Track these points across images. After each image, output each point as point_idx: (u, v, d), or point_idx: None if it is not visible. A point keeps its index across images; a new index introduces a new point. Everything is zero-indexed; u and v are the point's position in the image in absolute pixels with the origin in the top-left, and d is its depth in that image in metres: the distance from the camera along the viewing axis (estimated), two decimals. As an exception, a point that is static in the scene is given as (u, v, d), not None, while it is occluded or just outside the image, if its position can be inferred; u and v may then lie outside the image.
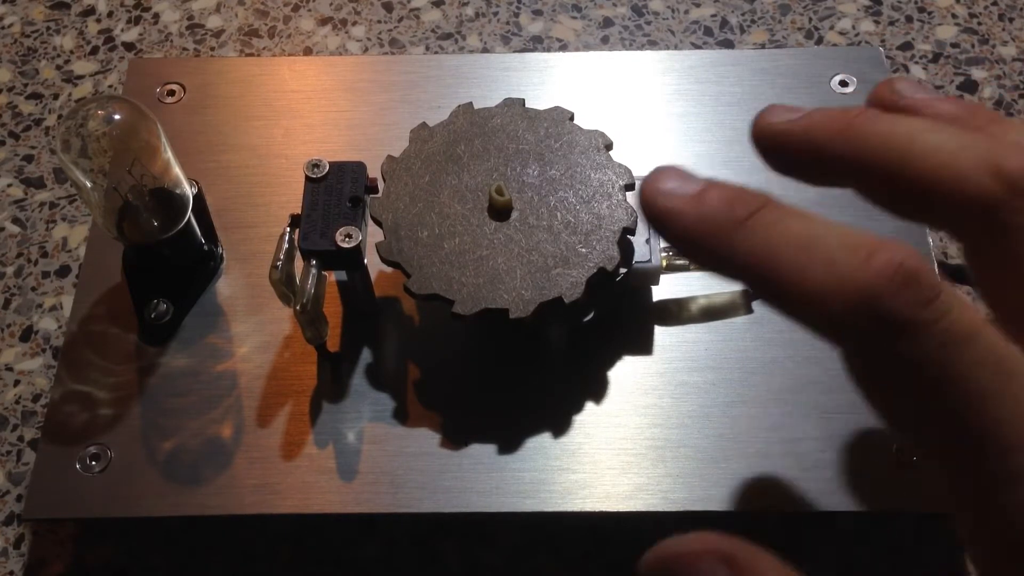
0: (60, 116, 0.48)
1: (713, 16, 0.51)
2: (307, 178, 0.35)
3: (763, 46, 0.50)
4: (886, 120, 0.25)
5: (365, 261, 0.35)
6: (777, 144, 0.27)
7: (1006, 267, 0.23)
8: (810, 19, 0.51)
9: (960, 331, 0.21)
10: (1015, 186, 0.22)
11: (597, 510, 0.34)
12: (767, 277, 0.23)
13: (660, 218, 0.25)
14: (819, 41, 0.50)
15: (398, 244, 0.33)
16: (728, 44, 0.50)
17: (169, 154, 0.35)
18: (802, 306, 0.22)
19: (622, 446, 0.35)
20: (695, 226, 0.24)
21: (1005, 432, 0.20)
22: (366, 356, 0.37)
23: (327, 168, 0.35)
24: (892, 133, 0.24)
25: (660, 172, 0.26)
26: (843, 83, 0.43)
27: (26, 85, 0.50)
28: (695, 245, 0.24)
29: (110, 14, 0.52)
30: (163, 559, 0.37)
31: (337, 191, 0.35)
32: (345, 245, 0.33)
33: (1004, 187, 0.23)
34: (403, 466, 0.34)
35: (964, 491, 0.21)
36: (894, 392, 0.22)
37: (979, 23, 0.51)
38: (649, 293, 0.37)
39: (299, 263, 0.34)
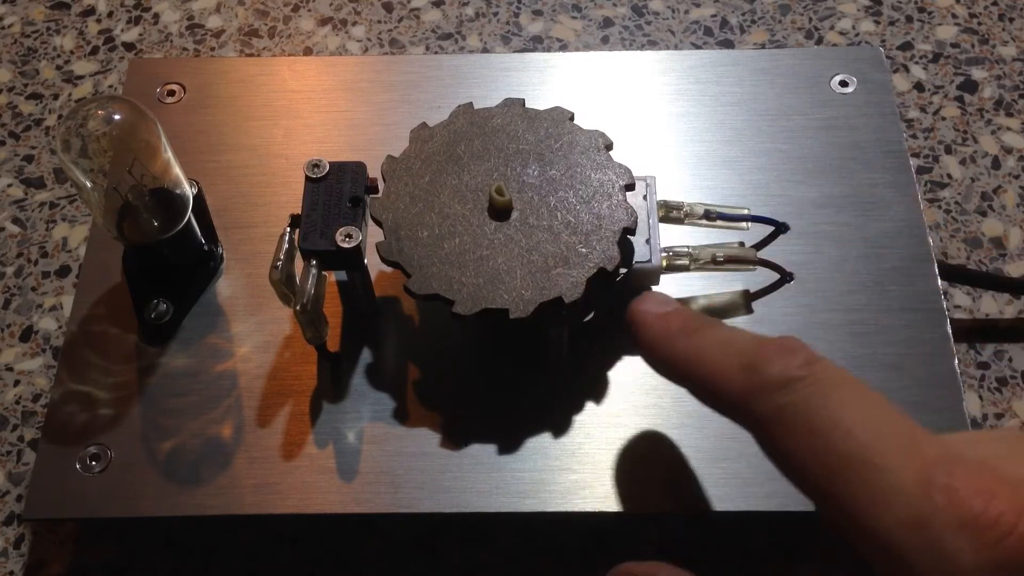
0: (60, 116, 0.49)
1: (713, 16, 0.51)
2: (307, 178, 0.35)
3: (763, 46, 0.50)
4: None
5: (365, 261, 0.35)
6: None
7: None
8: (810, 19, 0.51)
9: (830, 381, 0.25)
10: (762, 380, 0.26)
11: (597, 510, 0.34)
12: (694, 370, 0.29)
13: (633, 324, 0.31)
14: (819, 41, 0.50)
15: (398, 244, 0.33)
16: (728, 44, 0.50)
17: (169, 154, 0.35)
18: (716, 386, 0.28)
19: (622, 446, 0.35)
20: (656, 335, 0.30)
21: (869, 454, 0.23)
22: (366, 356, 0.37)
23: (327, 168, 0.35)
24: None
25: (646, 295, 0.32)
26: (843, 83, 0.43)
27: (26, 85, 0.50)
28: (653, 347, 0.30)
29: (110, 14, 0.52)
30: (163, 559, 0.37)
31: (337, 191, 0.35)
32: (345, 245, 0.33)
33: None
34: (403, 466, 0.34)
35: (840, 517, 0.24)
36: (781, 438, 0.25)
37: (979, 23, 0.51)
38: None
39: (299, 263, 0.34)
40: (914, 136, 0.47)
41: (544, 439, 0.35)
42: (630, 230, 0.34)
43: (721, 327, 0.29)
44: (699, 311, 0.31)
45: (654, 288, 0.37)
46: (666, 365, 0.30)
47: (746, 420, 0.27)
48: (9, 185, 0.47)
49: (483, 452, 0.35)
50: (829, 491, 0.24)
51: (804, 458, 0.25)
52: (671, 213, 0.37)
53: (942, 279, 0.38)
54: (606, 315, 0.37)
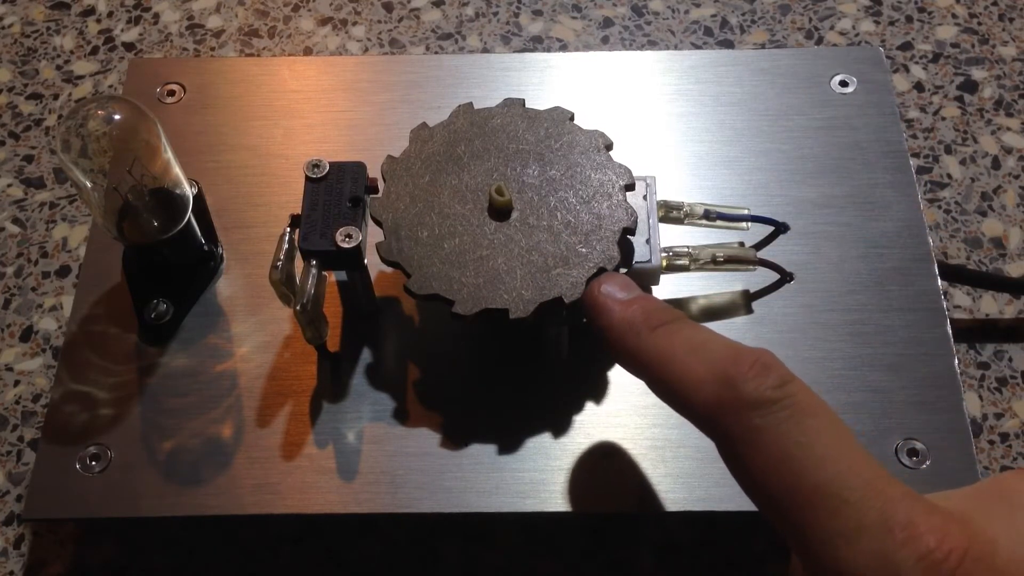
0: (60, 116, 0.49)
1: (713, 16, 0.51)
2: (307, 178, 0.35)
3: (763, 46, 0.50)
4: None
5: (365, 261, 0.35)
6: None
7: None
8: (810, 19, 0.51)
9: (805, 407, 0.25)
10: (736, 397, 0.26)
11: (597, 510, 0.34)
12: (661, 370, 0.28)
13: (594, 307, 0.30)
14: (819, 41, 0.50)
15: (398, 244, 0.33)
16: (728, 44, 0.50)
17: (169, 154, 0.35)
18: (685, 392, 0.27)
19: (622, 446, 0.35)
20: (618, 323, 0.29)
21: (838, 488, 0.24)
22: (366, 356, 0.37)
23: (327, 168, 0.35)
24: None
25: (607, 276, 0.31)
26: (843, 83, 0.43)
27: (26, 85, 0.50)
28: (616, 335, 0.29)
29: (110, 14, 0.52)
30: (163, 559, 0.37)
31: (337, 191, 0.35)
32: (345, 245, 0.33)
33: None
34: (403, 466, 0.34)
35: (802, 545, 0.24)
36: (750, 458, 0.25)
37: (979, 23, 0.51)
38: (649, 293, 0.37)
39: (299, 263, 0.34)
40: (914, 136, 0.47)
41: (544, 439, 0.35)
42: (630, 230, 0.34)
43: (689, 325, 0.29)
44: (666, 303, 0.30)
45: (653, 288, 0.37)
46: (628, 358, 0.29)
47: (711, 431, 0.27)
48: (9, 185, 0.47)
49: (483, 452, 0.35)
50: (794, 518, 0.24)
51: (771, 481, 0.25)
52: (671, 213, 0.37)
53: (942, 279, 0.38)
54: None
